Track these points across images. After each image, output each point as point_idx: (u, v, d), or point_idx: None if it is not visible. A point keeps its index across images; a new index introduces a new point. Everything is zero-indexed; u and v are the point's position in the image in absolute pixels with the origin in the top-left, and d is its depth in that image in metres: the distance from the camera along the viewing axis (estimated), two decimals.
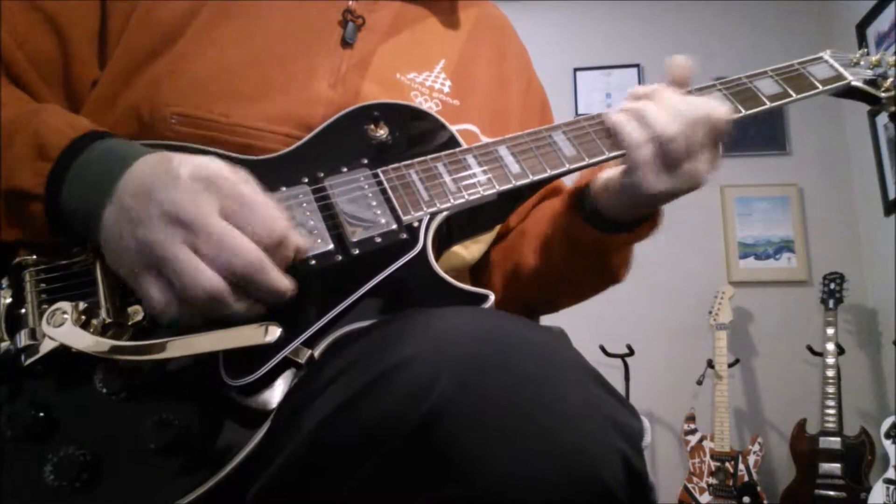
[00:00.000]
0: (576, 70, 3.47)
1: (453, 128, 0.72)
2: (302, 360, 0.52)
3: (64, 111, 0.63)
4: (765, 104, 0.77)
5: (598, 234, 0.75)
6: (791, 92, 0.79)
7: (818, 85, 0.81)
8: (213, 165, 0.53)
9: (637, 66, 3.43)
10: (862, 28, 3.06)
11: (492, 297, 0.59)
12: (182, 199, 0.51)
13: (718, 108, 0.69)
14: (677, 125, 0.66)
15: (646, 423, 0.48)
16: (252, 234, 0.51)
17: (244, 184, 0.53)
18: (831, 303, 2.86)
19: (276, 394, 0.52)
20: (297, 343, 0.53)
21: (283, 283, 0.52)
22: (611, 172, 0.72)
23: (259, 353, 0.51)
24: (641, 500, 0.46)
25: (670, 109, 0.67)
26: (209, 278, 0.49)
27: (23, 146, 0.58)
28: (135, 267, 0.51)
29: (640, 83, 3.40)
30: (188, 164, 0.53)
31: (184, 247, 0.50)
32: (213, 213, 0.51)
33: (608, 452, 0.43)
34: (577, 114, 3.36)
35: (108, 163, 0.56)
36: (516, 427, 0.42)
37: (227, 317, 0.51)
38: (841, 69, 0.83)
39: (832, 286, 2.89)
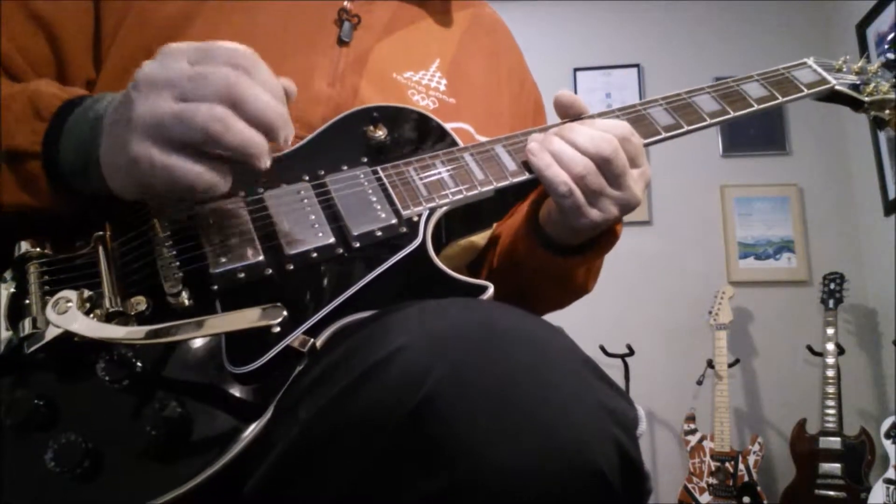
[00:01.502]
0: (576, 70, 3.47)
1: (450, 127, 0.73)
2: (304, 349, 0.52)
3: (56, 83, 0.64)
4: (752, 106, 0.80)
5: (558, 259, 0.76)
6: (777, 95, 0.82)
7: (803, 88, 0.84)
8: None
9: (637, 66, 3.44)
10: (862, 28, 3.07)
11: (491, 289, 0.60)
12: (150, 69, 0.52)
13: (620, 127, 0.68)
14: (586, 161, 0.66)
15: (640, 410, 0.49)
16: (224, 65, 0.52)
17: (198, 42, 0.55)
18: (831, 303, 2.87)
19: (277, 383, 0.52)
20: (298, 332, 0.53)
21: (275, 102, 0.53)
22: (549, 208, 0.72)
23: (261, 342, 0.52)
24: (637, 488, 0.46)
25: (581, 147, 0.66)
26: (208, 106, 0.50)
27: (19, 111, 0.59)
28: (140, 152, 0.50)
29: (640, 83, 3.42)
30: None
31: (173, 101, 0.51)
32: (182, 64, 0.52)
33: (603, 439, 0.43)
34: None
35: (96, 108, 0.57)
36: (510, 415, 0.42)
37: (241, 150, 0.51)
38: (825, 74, 0.87)
39: (832, 286, 2.89)
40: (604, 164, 0.66)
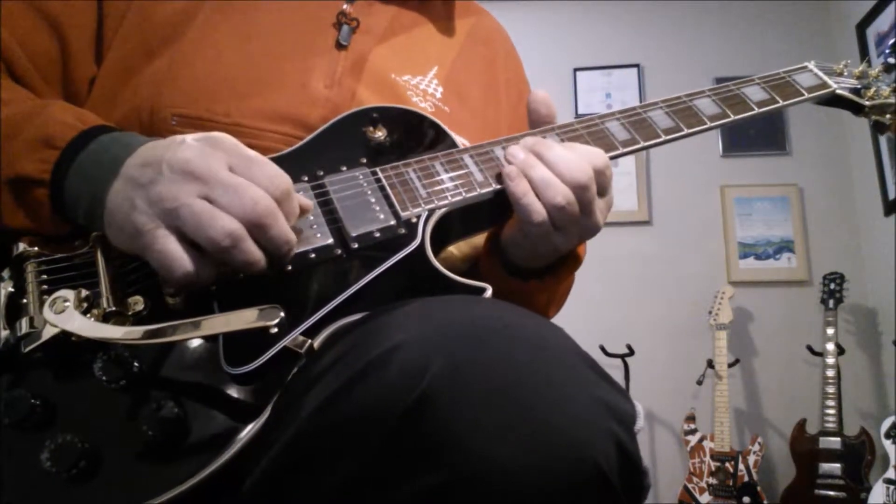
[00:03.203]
0: (576, 70, 3.47)
1: (449, 130, 0.72)
2: (301, 350, 0.52)
3: (71, 106, 0.64)
4: (753, 110, 0.80)
5: (517, 282, 0.75)
6: (778, 98, 0.81)
7: (804, 92, 0.84)
8: (215, 131, 0.56)
9: (637, 66, 3.44)
10: (862, 28, 3.07)
11: (489, 290, 0.60)
12: (192, 155, 0.53)
13: (598, 156, 0.67)
14: (568, 192, 0.64)
15: (638, 407, 0.49)
16: (260, 186, 0.53)
17: (245, 147, 0.56)
18: (831, 303, 2.87)
19: (275, 383, 0.52)
20: (296, 333, 0.53)
21: (291, 233, 0.54)
22: (513, 230, 0.71)
23: (259, 343, 0.52)
24: (635, 484, 0.46)
25: (561, 175, 0.65)
26: (229, 220, 0.51)
27: (29, 137, 0.58)
28: (147, 227, 0.51)
29: (640, 83, 3.42)
30: (193, 134, 0.56)
31: (198, 198, 0.51)
32: (223, 166, 0.53)
33: (601, 435, 0.43)
34: (576, 114, 3.37)
35: (113, 150, 0.57)
36: (508, 411, 0.42)
37: (241, 267, 0.52)
38: (826, 78, 0.86)
39: (832, 286, 2.89)
40: (580, 193, 0.65)
